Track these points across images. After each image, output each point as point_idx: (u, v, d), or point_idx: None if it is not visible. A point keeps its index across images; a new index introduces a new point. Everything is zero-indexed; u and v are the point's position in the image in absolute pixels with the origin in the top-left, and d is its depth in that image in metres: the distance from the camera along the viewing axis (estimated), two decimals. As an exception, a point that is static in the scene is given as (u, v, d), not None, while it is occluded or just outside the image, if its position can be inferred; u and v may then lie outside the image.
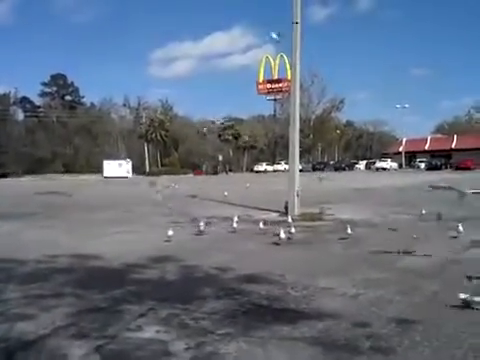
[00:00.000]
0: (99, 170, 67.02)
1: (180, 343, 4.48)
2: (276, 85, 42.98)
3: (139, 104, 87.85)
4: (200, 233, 10.89)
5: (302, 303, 5.75)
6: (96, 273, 7.61)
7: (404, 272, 7.25)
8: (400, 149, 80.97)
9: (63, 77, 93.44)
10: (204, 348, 4.36)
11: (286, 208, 15.04)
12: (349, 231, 10.14)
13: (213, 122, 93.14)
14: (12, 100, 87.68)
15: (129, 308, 5.59)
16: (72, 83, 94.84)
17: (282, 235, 9.86)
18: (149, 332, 4.81)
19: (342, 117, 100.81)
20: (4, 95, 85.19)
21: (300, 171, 17.09)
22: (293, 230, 10.26)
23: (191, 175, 67.29)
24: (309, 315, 5.29)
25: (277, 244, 9.77)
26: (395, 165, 71.44)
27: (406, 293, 6.11)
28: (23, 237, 11.47)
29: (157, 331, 4.83)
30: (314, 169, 69.58)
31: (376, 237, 10.65)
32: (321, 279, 6.85)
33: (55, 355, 4.25)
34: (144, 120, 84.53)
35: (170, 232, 10.25)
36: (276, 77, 41.51)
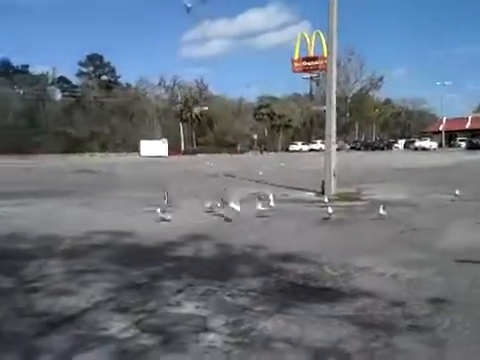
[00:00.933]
0: (136, 149, 67.97)
1: (218, 319, 4.54)
2: (312, 63, 42.34)
3: (174, 83, 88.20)
4: (234, 212, 10.93)
5: (339, 282, 5.73)
6: (134, 250, 7.77)
7: (443, 253, 7.11)
8: (440, 128, 78.79)
9: (100, 57, 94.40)
10: (242, 324, 4.41)
11: (322, 188, 14.93)
12: (386, 211, 10.00)
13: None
14: (50, 80, 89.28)
15: (167, 284, 5.70)
16: (109, 63, 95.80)
17: (330, 210, 9.95)
18: (188, 308, 4.90)
19: (380, 95, 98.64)
20: (42, 75, 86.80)
21: (336, 150, 16.86)
22: (330, 210, 10.18)
23: (226, 154, 67.45)
24: (346, 294, 5.27)
25: (314, 223, 9.75)
26: (435, 144, 69.52)
27: (446, 274, 6.00)
28: (62, 215, 11.81)
29: (196, 307, 4.91)
30: (351, 148, 68.62)
31: (415, 217, 10.47)
32: (358, 258, 6.80)
33: (96, 328, 4.37)
34: (179, 99, 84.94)
35: (208, 204, 10.36)
36: (312, 55, 40.87)
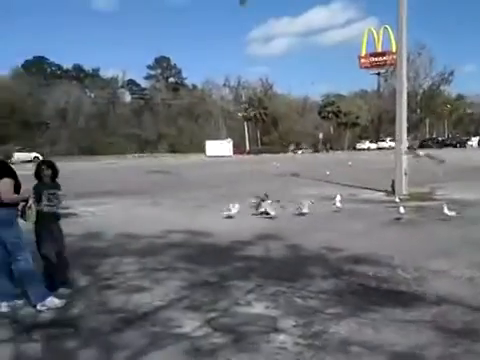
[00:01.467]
0: (201, 150, 69.12)
1: (288, 320, 4.52)
2: (380, 58, 41.30)
3: (239, 83, 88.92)
4: (303, 212, 10.83)
5: (413, 285, 5.54)
6: (205, 249, 7.89)
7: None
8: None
9: (167, 59, 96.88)
10: (313, 326, 4.35)
11: (393, 187, 14.49)
12: (460, 212, 9.54)
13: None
14: (120, 83, 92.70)
15: (237, 284, 5.74)
16: (175, 65, 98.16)
17: (402, 210, 9.69)
18: (258, 308, 4.91)
19: (452, 91, 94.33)
20: (112, 78, 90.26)
21: (407, 148, 16.26)
22: (402, 210, 9.85)
23: (291, 154, 67.05)
24: (422, 297, 5.09)
25: (385, 224, 9.47)
26: (514, 142, 65.50)
27: None
28: (136, 213, 12.21)
29: (266, 307, 4.91)
30: (421, 146, 66.13)
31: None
32: (433, 261, 6.56)
33: (170, 326, 4.47)
34: (243, 99, 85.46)
35: (272, 212, 10.43)
36: (380, 50, 39.78)
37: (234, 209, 10.75)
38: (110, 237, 8.91)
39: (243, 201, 12.57)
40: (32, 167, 5.81)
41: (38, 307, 4.95)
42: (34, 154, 48.21)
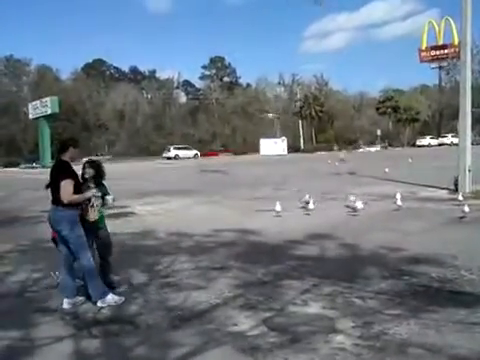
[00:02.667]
0: (256, 148, 69.18)
1: (347, 321, 4.42)
2: (441, 51, 39.61)
3: (293, 81, 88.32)
4: (359, 211, 10.58)
5: (478, 286, 5.30)
6: (258, 248, 7.87)
7: None
8: None
9: (221, 59, 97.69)
10: (372, 327, 4.24)
11: (456, 185, 13.91)
12: None
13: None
14: (175, 84, 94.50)
15: (291, 283, 5.68)
16: (229, 64, 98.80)
17: (466, 209, 9.35)
18: (314, 308, 4.83)
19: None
20: (168, 80, 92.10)
21: (471, 144, 15.54)
22: (466, 209, 9.43)
23: (342, 156, 65.85)
24: (488, 299, 4.84)
25: (447, 223, 9.10)
26: None
27: None
28: (191, 212, 12.37)
29: (323, 307, 4.83)
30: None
31: None
32: (499, 262, 6.22)
33: (227, 324, 4.48)
34: (298, 97, 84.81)
35: (310, 206, 10.67)
36: (441, 43, 38.26)
37: (311, 204, 11.03)
38: (166, 235, 9.07)
39: (292, 200, 12.49)
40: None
41: (98, 304, 5.09)
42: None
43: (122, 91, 78.52)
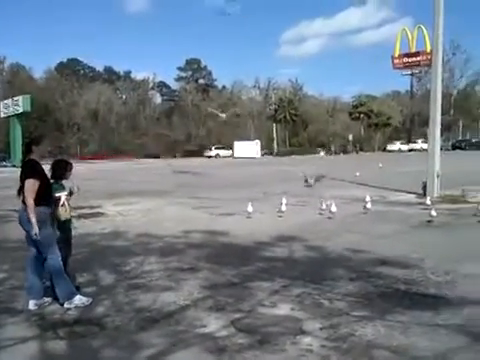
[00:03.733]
0: (230, 151, 69.23)
1: (315, 322, 4.45)
2: (413, 59, 40.42)
3: (269, 85, 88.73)
4: (329, 214, 10.69)
5: (444, 289, 5.41)
6: (228, 249, 7.88)
7: None
8: None
9: (197, 61, 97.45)
10: (339, 329, 4.28)
11: (424, 189, 14.19)
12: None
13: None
14: (150, 85, 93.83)
15: (261, 285, 5.69)
16: (205, 67, 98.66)
17: (433, 213, 9.55)
18: (283, 309, 4.85)
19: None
20: (143, 80, 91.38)
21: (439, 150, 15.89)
22: (434, 213, 9.63)
23: (322, 154, 66.53)
24: (452, 302, 4.97)
25: (415, 226, 9.28)
26: None
27: None
28: (162, 213, 12.27)
29: (291, 308, 4.85)
30: (454, 148, 64.73)
31: None
32: (465, 264, 6.39)
33: (195, 325, 4.46)
34: (273, 100, 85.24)
35: (282, 208, 10.53)
36: (414, 50, 39.05)
37: (283, 206, 11.02)
38: (135, 236, 8.98)
39: (262, 202, 12.57)
40: None
41: (65, 305, 5.01)
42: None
43: (96, 91, 77.48)
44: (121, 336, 4.27)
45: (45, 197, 4.97)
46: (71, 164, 5.61)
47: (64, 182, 5.50)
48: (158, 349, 3.95)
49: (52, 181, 5.29)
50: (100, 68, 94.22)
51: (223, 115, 75.92)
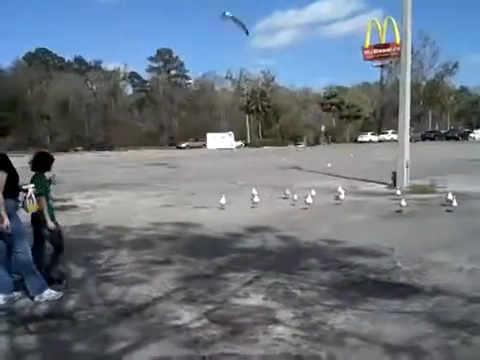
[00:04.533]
0: (203, 142, 69.00)
1: (287, 312, 4.50)
2: (383, 50, 40.80)
3: (241, 76, 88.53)
4: (304, 204, 10.78)
5: (413, 277, 5.52)
6: (201, 241, 7.89)
7: None
8: (522, 116, 73.69)
9: (169, 52, 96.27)
10: (311, 318, 4.33)
11: (394, 180, 14.44)
12: (458, 203, 9.51)
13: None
14: (122, 75, 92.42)
15: (234, 276, 5.72)
16: (177, 57, 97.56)
17: (403, 203, 9.68)
18: (256, 299, 4.89)
19: (456, 82, 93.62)
20: (114, 71, 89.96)
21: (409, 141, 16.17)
22: (403, 203, 9.81)
23: (292, 146, 66.89)
24: (421, 290, 5.07)
25: (386, 216, 9.44)
26: (516, 133, 65.12)
27: None
28: (133, 206, 12.16)
29: (264, 299, 4.89)
30: (423, 138, 65.96)
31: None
32: (433, 253, 6.52)
33: (168, 318, 4.45)
34: (245, 91, 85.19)
35: (255, 199, 10.76)
36: (383, 42, 39.50)
37: (255, 197, 11.09)
38: (107, 229, 8.89)
39: (236, 194, 12.59)
40: None
41: (36, 299, 4.93)
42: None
43: (66, 81, 75.90)
44: (93, 330, 4.24)
45: (12, 190, 4.87)
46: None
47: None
48: (130, 342, 3.93)
49: (35, 173, 5.41)
50: (70, 58, 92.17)
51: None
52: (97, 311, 4.67)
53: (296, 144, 69.22)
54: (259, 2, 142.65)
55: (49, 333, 4.19)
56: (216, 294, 5.06)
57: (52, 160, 5.58)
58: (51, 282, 5.28)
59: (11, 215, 4.83)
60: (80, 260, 6.60)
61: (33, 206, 5.20)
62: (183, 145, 68.51)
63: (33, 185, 5.22)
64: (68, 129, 71.80)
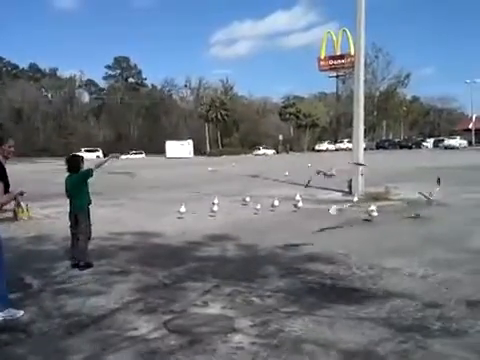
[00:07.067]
0: (162, 151, 68.47)
1: (245, 320, 4.52)
2: (338, 61, 42.02)
3: (200, 85, 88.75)
4: (259, 212, 10.89)
5: (368, 283, 5.65)
6: (159, 250, 7.83)
7: (476, 253, 6.95)
8: (470, 126, 76.88)
9: (126, 60, 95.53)
10: (269, 325, 4.38)
11: (350, 187, 14.76)
12: (416, 211, 9.83)
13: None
14: (78, 83, 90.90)
15: (193, 285, 5.71)
16: (135, 65, 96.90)
17: (372, 207, 9.92)
18: (215, 308, 4.90)
19: (408, 93, 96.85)
20: (70, 78, 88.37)
21: (363, 150, 16.60)
22: (359, 210, 10.03)
23: (251, 155, 67.28)
24: (376, 295, 5.20)
25: (342, 223, 9.64)
26: (465, 143, 67.84)
27: (478, 274, 5.87)
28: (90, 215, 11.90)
29: (223, 307, 4.91)
30: (378, 147, 67.75)
31: (446, 217, 10.24)
32: (388, 259, 6.70)
33: (126, 329, 4.40)
34: (204, 100, 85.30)
35: (214, 208, 10.76)
36: (339, 53, 40.50)
37: (215, 206, 11.15)
38: (63, 240, 8.62)
39: (195, 202, 12.56)
40: None
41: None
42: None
43: (20, 89, 73.86)
44: (48, 342, 4.15)
45: None
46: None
47: None
48: (87, 354, 3.87)
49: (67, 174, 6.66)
50: (24, 65, 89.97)
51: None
52: (53, 323, 4.57)
53: (255, 154, 69.63)
54: (218, 13, 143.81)
55: (2, 347, 4.07)
56: (175, 304, 5.04)
57: (82, 159, 6.88)
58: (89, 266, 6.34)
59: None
60: (35, 272, 6.43)
61: (24, 213, 5.08)
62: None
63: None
64: (21, 137, 69.66)
